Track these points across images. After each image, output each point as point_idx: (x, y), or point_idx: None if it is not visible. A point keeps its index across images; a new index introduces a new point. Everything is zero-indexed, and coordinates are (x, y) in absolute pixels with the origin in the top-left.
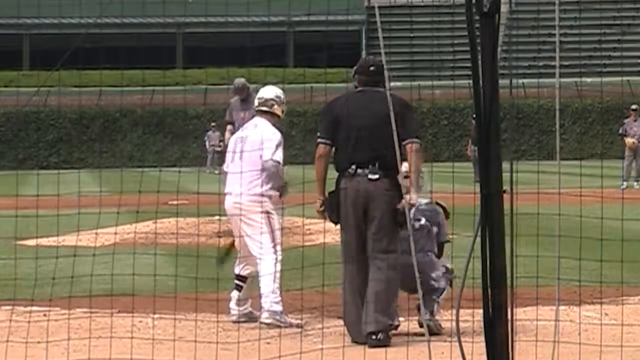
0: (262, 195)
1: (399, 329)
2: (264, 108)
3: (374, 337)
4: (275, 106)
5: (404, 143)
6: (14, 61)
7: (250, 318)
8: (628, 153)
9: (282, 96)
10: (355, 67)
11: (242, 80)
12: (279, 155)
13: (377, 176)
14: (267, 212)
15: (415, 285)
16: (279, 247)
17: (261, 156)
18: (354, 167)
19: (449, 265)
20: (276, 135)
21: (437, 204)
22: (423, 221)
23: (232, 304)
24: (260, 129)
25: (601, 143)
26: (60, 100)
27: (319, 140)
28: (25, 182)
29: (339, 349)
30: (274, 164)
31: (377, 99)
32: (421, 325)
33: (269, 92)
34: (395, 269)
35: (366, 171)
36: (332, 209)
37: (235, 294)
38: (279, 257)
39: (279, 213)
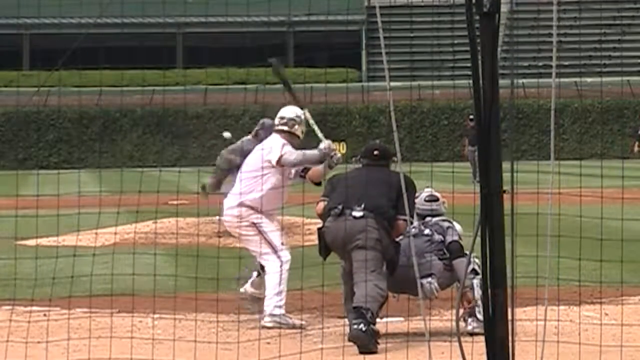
0: (240, 205)
1: (399, 329)
2: (285, 127)
3: (355, 323)
4: (296, 126)
5: (398, 217)
6: (14, 61)
7: (254, 300)
8: None
9: (302, 115)
10: (361, 151)
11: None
12: (276, 155)
13: (360, 214)
14: (253, 223)
15: (406, 289)
16: (281, 251)
17: (269, 161)
18: (340, 207)
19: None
20: (280, 144)
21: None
22: (427, 231)
23: (248, 285)
24: (269, 142)
25: (601, 143)
26: (60, 100)
27: (320, 199)
28: (25, 182)
29: (339, 349)
30: (289, 161)
31: (380, 171)
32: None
33: (290, 111)
34: (383, 284)
35: (349, 211)
36: (320, 247)
37: (254, 275)
38: (285, 259)
39: (277, 213)
